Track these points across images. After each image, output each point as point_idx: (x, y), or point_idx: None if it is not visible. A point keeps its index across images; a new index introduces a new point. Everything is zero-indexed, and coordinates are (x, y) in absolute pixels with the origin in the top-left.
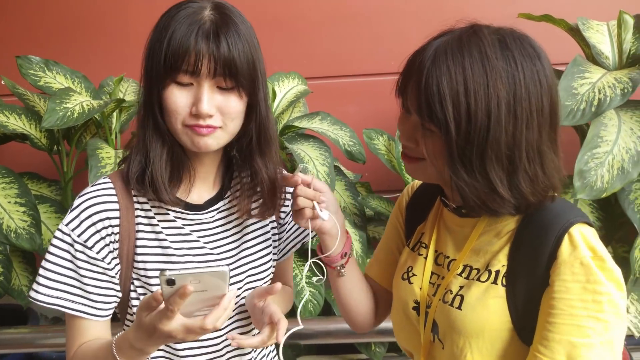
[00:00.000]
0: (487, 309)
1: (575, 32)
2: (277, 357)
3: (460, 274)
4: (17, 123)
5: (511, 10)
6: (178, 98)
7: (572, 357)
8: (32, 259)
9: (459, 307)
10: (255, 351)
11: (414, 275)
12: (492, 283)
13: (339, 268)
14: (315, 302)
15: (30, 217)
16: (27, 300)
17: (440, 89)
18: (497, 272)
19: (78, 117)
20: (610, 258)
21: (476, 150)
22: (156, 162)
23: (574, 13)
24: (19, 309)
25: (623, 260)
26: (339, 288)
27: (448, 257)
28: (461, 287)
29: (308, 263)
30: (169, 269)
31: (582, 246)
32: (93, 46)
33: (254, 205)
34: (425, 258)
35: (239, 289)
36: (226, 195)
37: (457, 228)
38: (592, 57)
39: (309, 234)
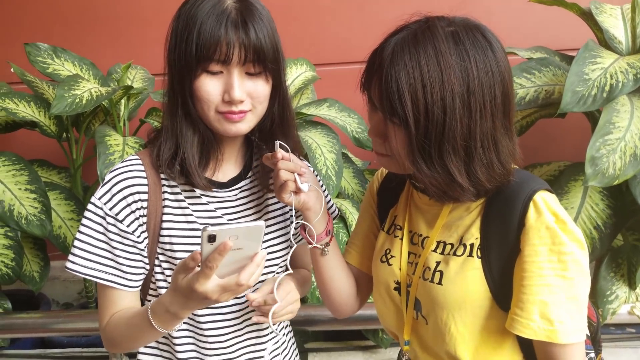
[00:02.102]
0: (466, 282)
1: (588, 17)
2: (294, 337)
3: (435, 250)
4: (26, 110)
5: None
6: (210, 87)
7: (544, 315)
8: (42, 245)
9: (440, 283)
10: (273, 325)
11: (392, 257)
12: (468, 256)
13: (323, 246)
14: None
15: (41, 203)
16: (39, 286)
17: (399, 87)
18: (472, 245)
19: (86, 104)
20: (571, 220)
21: (434, 144)
22: (188, 148)
23: None
24: (30, 295)
25: (634, 249)
26: (323, 269)
27: (421, 235)
28: (438, 263)
29: (293, 224)
30: (211, 225)
31: (546, 212)
32: (101, 33)
33: (272, 181)
34: (401, 239)
35: None
36: (248, 175)
37: (428, 207)
38: (605, 41)
39: (292, 208)
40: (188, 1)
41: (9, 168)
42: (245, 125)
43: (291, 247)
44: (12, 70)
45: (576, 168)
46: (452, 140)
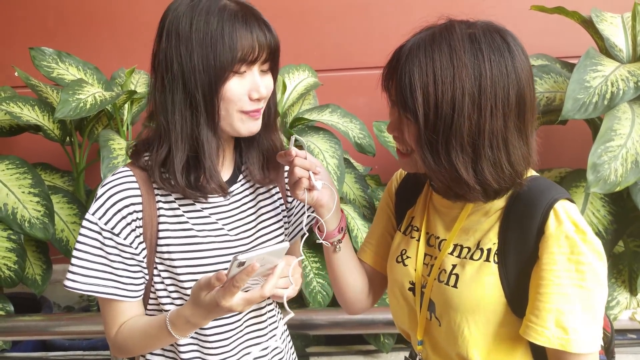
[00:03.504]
0: (481, 286)
1: (589, 25)
2: (291, 340)
3: (451, 253)
4: (30, 114)
5: (524, 2)
6: (238, 87)
7: (559, 323)
8: (45, 248)
9: (455, 286)
10: (270, 325)
11: (408, 257)
12: (484, 261)
13: (335, 243)
14: (325, 293)
15: (44, 207)
16: (41, 289)
17: (411, 81)
18: (489, 250)
19: (90, 108)
20: (590, 231)
21: (441, 139)
22: (213, 155)
23: (588, 5)
24: (33, 297)
25: (635, 255)
26: (335, 266)
27: (439, 237)
28: (454, 266)
29: (306, 215)
30: (241, 253)
31: (566, 221)
32: (104, 38)
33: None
34: (418, 240)
35: None
36: (239, 179)
37: (446, 210)
38: (606, 49)
39: (305, 204)
40: (194, 10)
41: (13, 171)
42: (260, 122)
43: (303, 236)
44: (16, 74)
45: (577, 175)
46: (459, 137)
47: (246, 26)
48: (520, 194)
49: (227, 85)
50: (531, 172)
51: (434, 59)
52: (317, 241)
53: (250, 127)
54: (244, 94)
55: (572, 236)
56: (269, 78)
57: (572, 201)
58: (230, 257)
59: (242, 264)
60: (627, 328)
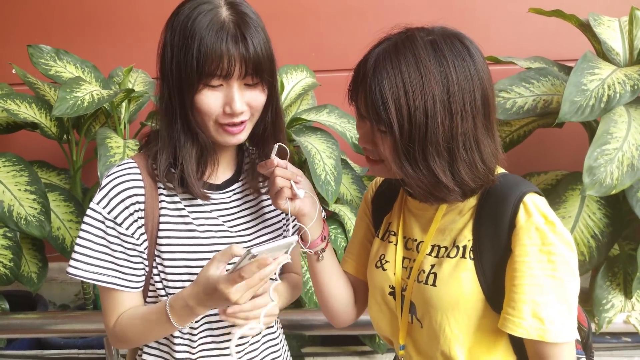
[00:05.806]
0: (459, 283)
1: (586, 28)
2: (286, 342)
3: (429, 254)
4: (27, 112)
5: (522, 4)
6: (211, 100)
7: (535, 314)
8: (41, 246)
9: (434, 284)
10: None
11: (387, 262)
12: (461, 257)
13: (319, 252)
14: None
15: (40, 204)
16: (36, 287)
17: (382, 94)
18: (464, 247)
19: (88, 106)
20: (560, 222)
21: (418, 147)
22: (187, 160)
23: (585, 9)
24: (28, 295)
25: (630, 258)
26: (319, 275)
27: (416, 240)
28: (433, 266)
29: (290, 228)
30: (254, 247)
31: (536, 213)
32: (102, 36)
33: (261, 184)
34: (395, 245)
35: None
36: (240, 179)
37: (421, 212)
38: (603, 53)
39: (288, 214)
40: (180, 12)
41: (9, 169)
42: (244, 134)
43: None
44: (13, 71)
45: (574, 177)
46: (435, 142)
47: (219, 41)
48: (491, 191)
49: (198, 97)
50: (500, 170)
51: (401, 70)
52: (301, 250)
53: (227, 140)
54: (219, 106)
55: (542, 228)
56: (254, 92)
57: (540, 194)
58: None
59: (253, 257)
60: (622, 331)
